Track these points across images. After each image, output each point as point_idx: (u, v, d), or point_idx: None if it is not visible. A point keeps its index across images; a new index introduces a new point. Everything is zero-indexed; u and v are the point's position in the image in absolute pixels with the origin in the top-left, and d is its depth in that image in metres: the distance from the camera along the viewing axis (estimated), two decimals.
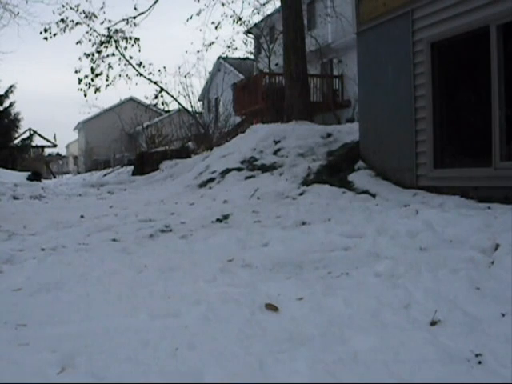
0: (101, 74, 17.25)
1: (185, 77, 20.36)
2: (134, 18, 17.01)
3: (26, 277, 3.48)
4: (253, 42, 23.30)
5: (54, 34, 16.33)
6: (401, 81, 6.59)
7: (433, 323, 2.29)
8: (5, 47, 55.42)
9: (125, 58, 17.97)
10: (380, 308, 2.52)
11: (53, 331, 2.38)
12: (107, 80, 17.45)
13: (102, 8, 17.19)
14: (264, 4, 19.66)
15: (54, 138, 32.25)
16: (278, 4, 14.30)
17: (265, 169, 8.40)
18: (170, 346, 2.16)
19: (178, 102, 19.76)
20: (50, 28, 16.20)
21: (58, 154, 38.99)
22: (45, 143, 31.40)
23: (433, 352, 2.00)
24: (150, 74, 18.95)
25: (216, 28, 18.33)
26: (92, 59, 17.03)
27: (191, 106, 19.56)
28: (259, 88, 18.55)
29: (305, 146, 8.74)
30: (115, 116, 26.48)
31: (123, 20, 17.04)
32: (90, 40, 17.05)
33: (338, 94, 19.15)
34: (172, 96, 19.53)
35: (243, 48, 23.60)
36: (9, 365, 2.02)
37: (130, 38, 17.42)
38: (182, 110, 20.05)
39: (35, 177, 15.15)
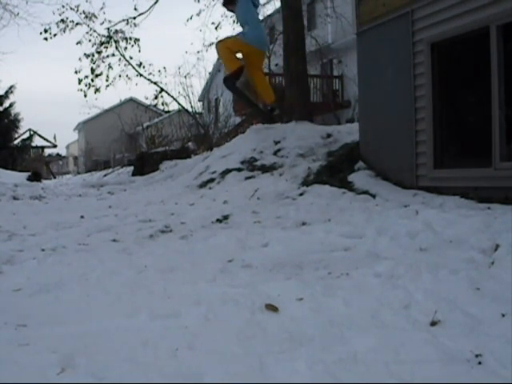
0: (101, 74, 17.25)
1: (185, 77, 20.40)
2: (134, 18, 17.00)
3: (26, 277, 3.48)
4: None
5: (54, 35, 16.32)
6: (401, 81, 6.59)
7: (433, 323, 2.29)
8: (5, 48, 55.50)
9: (125, 58, 17.97)
10: (380, 308, 2.52)
11: (53, 331, 2.38)
12: (107, 80, 17.45)
13: (102, 8, 17.16)
14: (264, 4, 19.68)
15: (54, 138, 32.30)
16: (278, 4, 14.31)
17: (265, 169, 8.40)
18: (170, 346, 2.16)
19: (178, 103, 19.77)
20: (49, 28, 16.19)
21: (58, 154, 39.03)
22: (45, 143, 31.44)
23: (433, 352, 2.00)
24: (150, 74, 18.96)
25: (216, 28, 18.28)
26: (92, 60, 17.03)
27: (191, 107, 19.57)
28: None
29: (305, 146, 8.73)
30: (115, 116, 26.49)
31: (123, 20, 17.04)
32: (89, 40, 17.05)
33: (338, 94, 19.17)
34: (172, 96, 19.55)
35: None
36: (9, 365, 2.02)
37: (130, 39, 17.42)
38: (182, 111, 20.05)
39: (35, 177, 15.13)
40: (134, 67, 18.43)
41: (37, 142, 30.07)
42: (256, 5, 7.36)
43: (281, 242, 4.23)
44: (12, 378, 1.92)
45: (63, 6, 16.52)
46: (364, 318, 2.41)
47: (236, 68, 7.15)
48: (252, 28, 7.00)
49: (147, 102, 21.92)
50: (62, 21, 16.41)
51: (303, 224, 5.06)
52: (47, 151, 33.94)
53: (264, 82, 7.68)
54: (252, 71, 7.51)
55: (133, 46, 17.57)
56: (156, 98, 19.50)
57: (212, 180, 8.78)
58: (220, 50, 7.19)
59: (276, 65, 20.33)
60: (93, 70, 17.07)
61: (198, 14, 17.65)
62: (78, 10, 16.75)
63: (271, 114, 7.90)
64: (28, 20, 50.04)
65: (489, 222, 3.91)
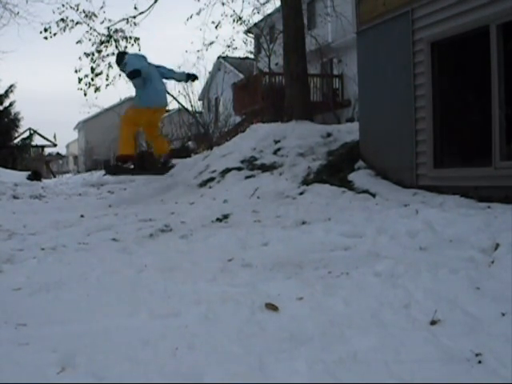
0: (101, 73, 17.20)
1: None
2: (134, 17, 16.96)
3: (26, 276, 3.48)
4: (253, 41, 23.28)
5: (54, 34, 16.28)
6: (401, 80, 6.59)
7: (433, 323, 2.29)
8: (5, 46, 55.44)
9: None
10: (380, 308, 2.52)
11: (53, 331, 2.38)
12: (107, 79, 17.37)
13: (102, 7, 17.10)
14: (264, 3, 19.61)
15: (54, 137, 32.21)
16: (278, 3, 14.27)
17: (265, 168, 8.39)
18: (170, 345, 2.16)
19: (178, 102, 19.73)
20: (49, 27, 16.14)
21: (58, 153, 38.90)
22: (45, 143, 31.37)
23: (433, 352, 2.00)
24: None
25: (216, 27, 18.26)
26: (92, 59, 16.98)
27: (191, 106, 19.54)
28: (259, 88, 18.54)
29: (305, 145, 8.73)
30: (115, 115, 26.45)
31: (123, 19, 16.99)
32: (90, 39, 16.98)
33: (338, 93, 19.15)
34: (172, 95, 19.50)
35: (243, 47, 23.59)
36: (9, 365, 2.02)
37: (130, 38, 17.37)
38: (182, 110, 20.03)
39: (35, 176, 15.10)
40: None
41: (37, 141, 30.01)
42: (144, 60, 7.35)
43: (281, 241, 4.23)
44: (12, 377, 1.92)
45: (63, 5, 16.48)
46: (364, 318, 2.41)
47: (126, 154, 7.26)
48: (148, 87, 7.01)
49: None
50: (62, 20, 16.38)
51: (303, 223, 5.06)
52: (47, 150, 33.85)
53: (158, 136, 7.81)
54: (149, 129, 7.60)
55: (133, 45, 17.53)
56: None
57: (212, 179, 8.78)
58: (124, 125, 7.19)
59: (276, 64, 20.30)
60: (93, 69, 17.02)
61: (198, 13, 17.63)
62: (78, 9, 16.71)
63: (165, 166, 8.05)
64: (28, 19, 50.19)
65: (489, 221, 3.91)
